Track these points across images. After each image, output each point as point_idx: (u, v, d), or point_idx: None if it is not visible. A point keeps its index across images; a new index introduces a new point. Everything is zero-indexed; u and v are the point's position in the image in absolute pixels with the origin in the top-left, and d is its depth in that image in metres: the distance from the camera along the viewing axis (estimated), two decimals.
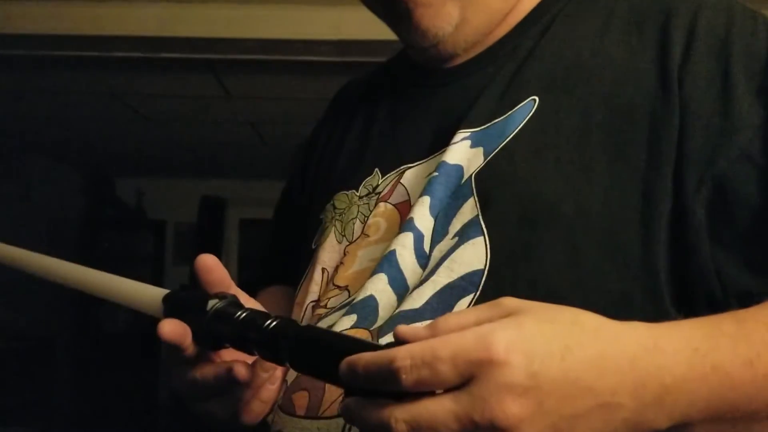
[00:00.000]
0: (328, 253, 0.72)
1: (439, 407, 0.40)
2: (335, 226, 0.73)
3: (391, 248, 0.63)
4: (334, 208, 0.75)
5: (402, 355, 0.40)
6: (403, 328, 0.43)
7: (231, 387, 0.57)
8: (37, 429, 4.20)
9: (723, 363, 0.45)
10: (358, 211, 0.72)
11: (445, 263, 0.60)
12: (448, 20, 0.67)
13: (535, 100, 0.64)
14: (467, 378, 0.40)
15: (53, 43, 2.73)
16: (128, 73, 3.32)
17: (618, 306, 0.55)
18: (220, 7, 2.65)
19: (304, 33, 2.67)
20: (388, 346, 0.41)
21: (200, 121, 4.24)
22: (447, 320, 0.43)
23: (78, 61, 3.03)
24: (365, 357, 0.41)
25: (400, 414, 0.40)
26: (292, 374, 0.65)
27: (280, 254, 0.90)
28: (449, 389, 0.40)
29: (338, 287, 0.68)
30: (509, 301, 0.44)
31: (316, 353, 0.45)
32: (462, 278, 0.59)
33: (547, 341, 0.41)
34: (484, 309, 0.44)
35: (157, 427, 5.26)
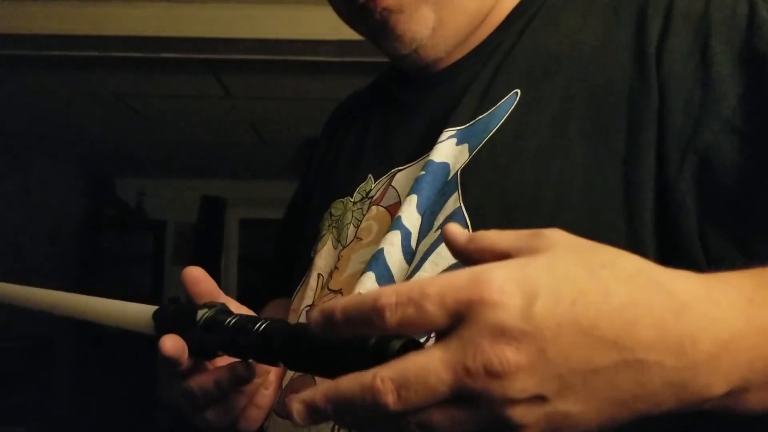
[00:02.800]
0: (324, 259, 0.73)
1: (427, 357, 0.35)
2: (332, 233, 0.74)
3: (379, 247, 0.64)
4: (331, 215, 0.76)
5: (387, 293, 0.36)
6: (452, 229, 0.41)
7: (229, 394, 0.57)
8: (37, 429, 4.20)
9: (759, 308, 0.40)
10: (352, 216, 0.73)
11: (431, 257, 0.60)
12: (424, 23, 0.67)
13: (517, 93, 0.64)
14: (456, 319, 0.35)
15: (53, 43, 2.74)
16: (128, 73, 3.32)
17: None
18: (220, 7, 2.65)
19: (304, 33, 2.67)
20: (378, 342, 0.40)
21: (200, 121, 4.24)
22: (485, 234, 0.40)
23: (78, 61, 3.03)
24: (342, 301, 0.37)
25: (385, 372, 0.35)
26: (287, 378, 0.65)
27: (284, 268, 0.91)
28: (439, 338, 0.36)
29: (332, 291, 0.68)
30: (552, 234, 0.39)
31: (306, 349, 0.45)
32: (446, 270, 0.59)
33: (557, 282, 0.35)
34: (524, 237, 0.39)
35: (157, 427, 5.26)
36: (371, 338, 0.40)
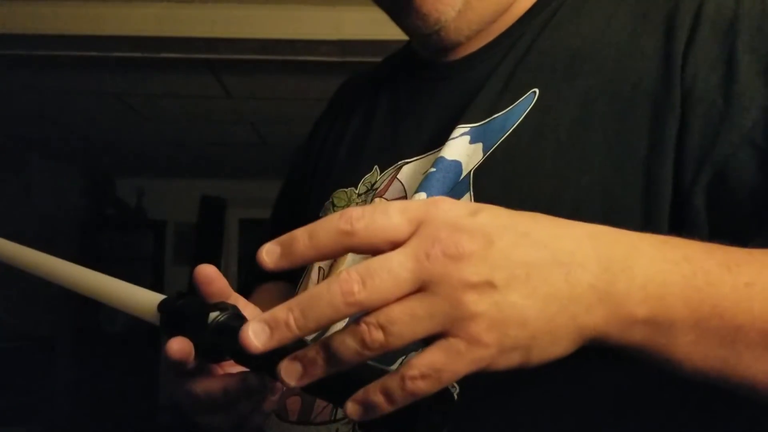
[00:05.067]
0: None
1: (391, 253, 0.38)
2: None
3: None
4: (333, 206, 0.74)
5: (351, 208, 0.40)
6: None
7: (236, 400, 0.56)
8: (37, 429, 4.20)
9: (696, 257, 0.43)
10: None
11: None
12: (450, 4, 0.66)
13: (535, 92, 0.62)
14: (416, 226, 0.39)
15: (53, 43, 2.73)
16: (128, 73, 3.32)
17: None
18: (220, 7, 2.65)
19: (304, 33, 2.66)
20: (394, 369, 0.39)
21: (200, 121, 4.24)
22: None
23: (78, 61, 3.03)
24: (303, 228, 0.40)
25: (353, 269, 0.38)
26: None
27: None
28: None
29: None
30: None
31: (325, 377, 0.42)
32: None
33: (493, 208, 0.42)
34: None
35: (157, 427, 5.25)
36: None
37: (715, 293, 0.42)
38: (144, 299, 0.57)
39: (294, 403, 0.62)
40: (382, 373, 0.40)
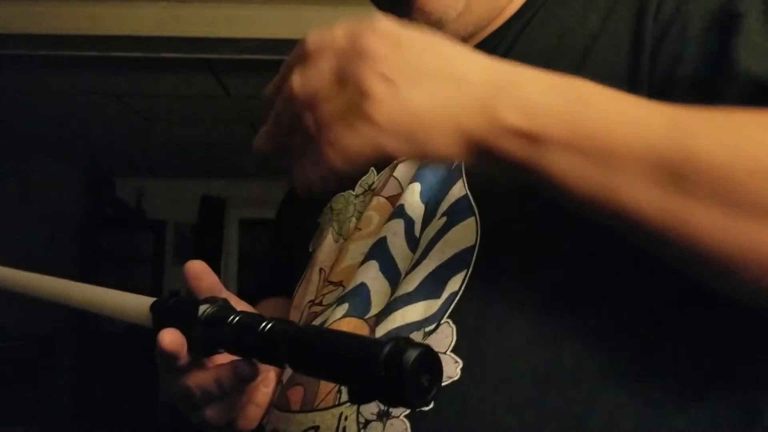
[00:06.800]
0: (326, 253, 0.72)
1: (325, 56, 0.48)
2: (333, 226, 0.73)
3: (381, 235, 0.63)
4: (332, 210, 0.75)
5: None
6: None
7: (228, 392, 0.56)
8: (36, 429, 4.20)
9: (574, 81, 0.46)
10: (354, 210, 0.72)
11: (437, 246, 0.59)
12: (453, 5, 0.67)
13: None
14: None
15: (53, 43, 2.74)
16: (128, 73, 3.32)
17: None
18: (220, 7, 2.65)
19: (304, 33, 2.66)
20: (388, 341, 0.40)
21: (200, 121, 4.24)
22: None
23: (78, 61, 3.03)
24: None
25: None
26: (287, 373, 0.65)
27: (279, 265, 0.90)
28: None
29: (332, 283, 0.67)
30: None
31: (315, 353, 0.44)
32: (453, 257, 0.58)
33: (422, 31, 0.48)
34: None
35: (157, 427, 5.26)
36: (385, 346, 0.39)
37: (591, 112, 0.45)
38: (136, 304, 0.57)
39: (296, 393, 0.62)
40: (371, 343, 0.41)
